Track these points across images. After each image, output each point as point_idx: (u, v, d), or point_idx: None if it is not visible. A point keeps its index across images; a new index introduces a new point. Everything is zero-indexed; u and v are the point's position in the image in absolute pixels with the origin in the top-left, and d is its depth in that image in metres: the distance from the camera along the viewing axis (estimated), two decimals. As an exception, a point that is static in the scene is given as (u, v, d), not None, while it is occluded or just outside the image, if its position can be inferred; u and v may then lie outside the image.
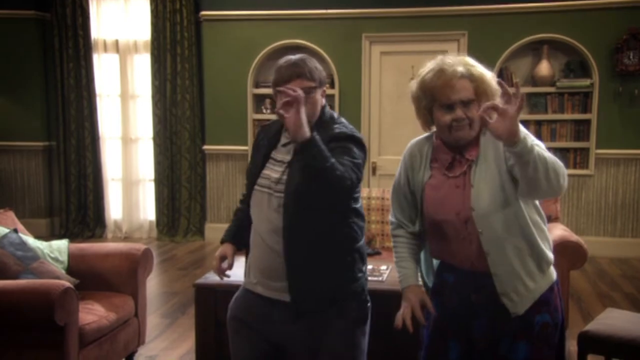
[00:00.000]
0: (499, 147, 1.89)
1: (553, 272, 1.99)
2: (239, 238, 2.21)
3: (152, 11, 6.42)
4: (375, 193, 4.37)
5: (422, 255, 2.14)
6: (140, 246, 3.47)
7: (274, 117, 2.28)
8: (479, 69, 1.93)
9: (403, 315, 1.96)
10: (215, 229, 6.42)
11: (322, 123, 2.03)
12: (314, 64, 2.07)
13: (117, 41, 6.65)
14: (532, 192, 1.79)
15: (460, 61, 1.92)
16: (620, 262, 5.67)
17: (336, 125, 2.03)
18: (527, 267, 1.91)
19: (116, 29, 6.65)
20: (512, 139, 1.67)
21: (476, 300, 1.94)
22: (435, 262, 2.09)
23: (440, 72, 1.90)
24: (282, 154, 2.06)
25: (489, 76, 1.93)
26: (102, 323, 3.02)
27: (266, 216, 2.02)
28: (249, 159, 2.30)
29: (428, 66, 1.96)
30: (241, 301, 2.16)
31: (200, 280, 2.98)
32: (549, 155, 1.74)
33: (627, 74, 5.69)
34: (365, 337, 2.11)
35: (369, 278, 2.27)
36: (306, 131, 1.82)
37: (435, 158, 2.00)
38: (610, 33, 5.71)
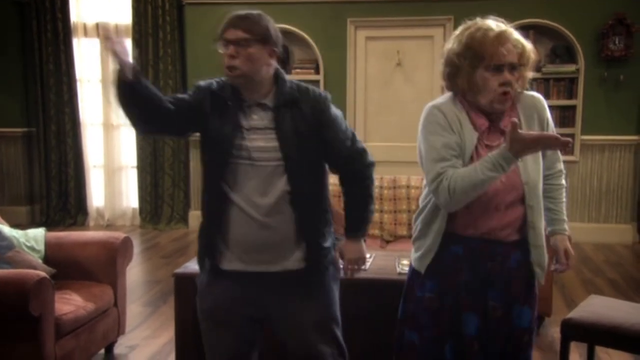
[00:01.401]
0: (542, 122, 1.98)
1: None
2: (143, 79, 1.91)
3: (133, -6, 6.29)
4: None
5: (426, 237, 1.99)
6: (119, 235, 3.40)
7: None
8: (521, 38, 1.90)
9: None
10: (200, 217, 6.33)
11: (283, 85, 2.02)
12: (261, 20, 1.99)
13: (97, 25, 6.50)
14: None
15: (505, 26, 1.89)
16: (604, 248, 5.69)
17: (308, 88, 2.06)
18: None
19: (96, 12, 6.50)
20: None
21: (492, 269, 1.93)
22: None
23: (491, 30, 1.84)
24: (249, 121, 1.99)
25: (529, 47, 1.90)
26: (79, 313, 2.96)
27: (253, 189, 1.96)
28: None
29: (470, 25, 1.89)
30: (214, 291, 2.07)
31: (180, 270, 2.91)
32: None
33: (613, 60, 5.66)
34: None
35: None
36: None
37: (473, 123, 1.90)
38: (596, 18, 5.68)
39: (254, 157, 1.96)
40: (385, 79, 6.11)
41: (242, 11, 2.00)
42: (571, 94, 5.86)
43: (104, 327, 3.20)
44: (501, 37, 1.83)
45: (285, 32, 6.09)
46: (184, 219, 6.63)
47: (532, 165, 1.92)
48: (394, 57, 6.08)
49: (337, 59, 6.12)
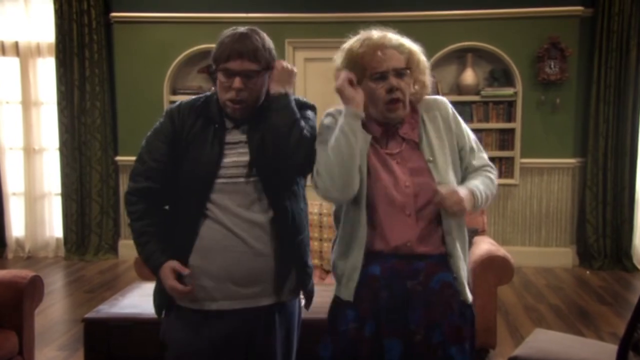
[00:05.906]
0: (447, 120, 1.87)
1: None
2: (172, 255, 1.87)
3: (56, 11, 5.88)
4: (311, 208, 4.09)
5: (347, 258, 1.85)
6: (26, 273, 3.05)
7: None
8: (407, 41, 1.86)
9: None
10: (130, 246, 5.88)
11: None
12: (263, 41, 1.83)
13: (16, 43, 6.07)
14: None
15: (387, 33, 1.86)
16: (545, 271, 5.66)
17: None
18: (464, 248, 1.87)
19: (16, 30, 6.07)
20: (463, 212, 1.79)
21: (412, 288, 1.76)
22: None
23: (369, 39, 1.82)
24: (236, 135, 1.86)
25: (416, 49, 1.86)
26: (-27, 367, 2.60)
27: (245, 209, 1.79)
28: (160, 149, 1.93)
29: (353, 38, 1.88)
30: (198, 345, 1.82)
31: (91, 314, 2.60)
32: (488, 189, 1.86)
33: (549, 83, 5.71)
34: None
35: None
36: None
37: (366, 129, 1.84)
38: (532, 42, 5.72)
39: (242, 174, 1.83)
40: (325, 101, 5.91)
41: (240, 29, 1.82)
42: (510, 117, 5.86)
43: (5, 380, 2.83)
44: (378, 43, 1.79)
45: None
46: (114, 249, 6.22)
47: (450, 172, 1.82)
48: (333, 80, 5.93)
49: (274, 81, 5.91)
